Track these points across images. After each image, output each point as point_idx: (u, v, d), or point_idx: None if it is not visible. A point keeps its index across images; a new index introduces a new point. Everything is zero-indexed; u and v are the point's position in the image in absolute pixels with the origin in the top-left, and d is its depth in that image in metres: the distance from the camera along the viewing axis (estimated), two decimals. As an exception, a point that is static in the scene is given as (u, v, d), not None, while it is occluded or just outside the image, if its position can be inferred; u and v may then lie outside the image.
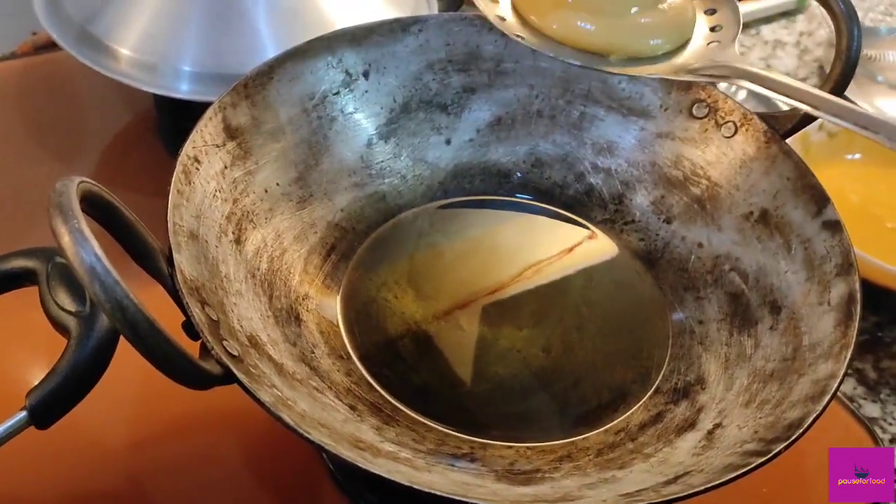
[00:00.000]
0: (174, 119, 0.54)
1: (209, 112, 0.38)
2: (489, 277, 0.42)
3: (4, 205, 0.50)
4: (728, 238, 0.42)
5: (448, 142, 0.46)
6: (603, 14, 0.39)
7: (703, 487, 0.29)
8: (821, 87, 0.40)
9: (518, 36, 0.39)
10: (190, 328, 0.31)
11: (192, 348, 0.31)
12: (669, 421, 0.36)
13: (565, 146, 0.46)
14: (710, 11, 0.40)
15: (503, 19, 0.40)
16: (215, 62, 0.49)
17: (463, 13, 0.46)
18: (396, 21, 0.44)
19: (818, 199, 0.39)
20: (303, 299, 0.39)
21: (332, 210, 0.43)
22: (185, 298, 0.31)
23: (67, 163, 0.55)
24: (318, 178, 0.42)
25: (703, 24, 0.40)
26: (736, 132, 0.42)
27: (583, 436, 0.37)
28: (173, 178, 0.34)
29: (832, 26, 0.61)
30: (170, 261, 0.32)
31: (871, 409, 0.48)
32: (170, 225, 0.33)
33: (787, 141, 0.41)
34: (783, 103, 0.35)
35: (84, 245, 0.25)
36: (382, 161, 0.45)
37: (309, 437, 0.28)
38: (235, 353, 0.31)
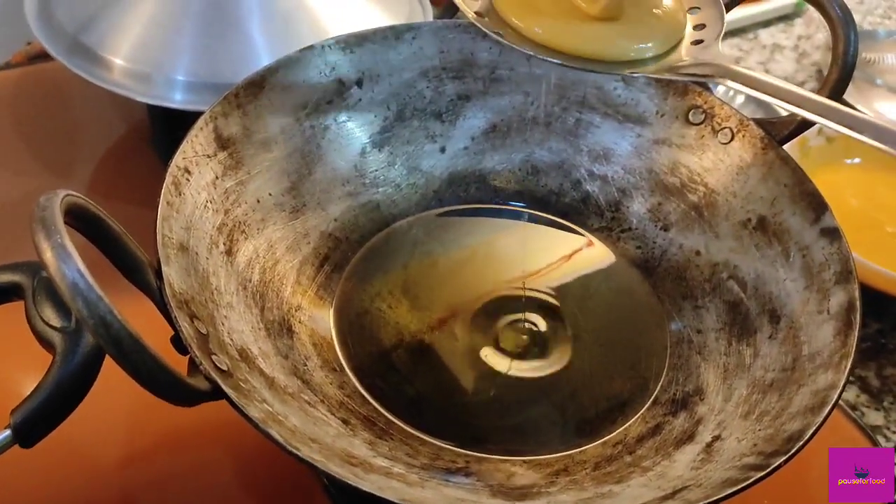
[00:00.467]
0: (168, 129, 0.54)
1: (200, 122, 0.37)
2: (485, 287, 0.42)
3: (-3, 216, 0.50)
4: (726, 246, 0.41)
5: (443, 150, 0.45)
6: (585, 20, 0.38)
7: (701, 503, 0.28)
8: (818, 92, 0.40)
9: (497, 33, 0.39)
10: (179, 343, 0.30)
11: (181, 363, 0.30)
12: (668, 433, 0.36)
13: (561, 153, 0.46)
14: (694, 10, 0.40)
15: (482, 16, 0.40)
16: (209, 71, 0.48)
17: (457, 20, 0.46)
18: (390, 28, 0.44)
19: (816, 205, 0.38)
20: (295, 311, 0.39)
21: (326, 220, 0.42)
22: (174, 312, 0.30)
23: (61, 174, 0.55)
24: (311, 187, 0.42)
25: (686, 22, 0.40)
26: (733, 138, 0.42)
27: (580, 448, 0.36)
28: (163, 190, 0.34)
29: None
30: (158, 274, 0.31)
31: (874, 418, 0.47)
32: (159, 237, 0.33)
33: (786, 145, 0.40)
34: (773, 105, 0.35)
35: (67, 260, 0.24)
36: (376, 170, 0.44)
37: (298, 454, 0.28)
38: (225, 368, 0.30)
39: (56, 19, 0.51)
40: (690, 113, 0.43)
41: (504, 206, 0.46)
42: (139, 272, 0.31)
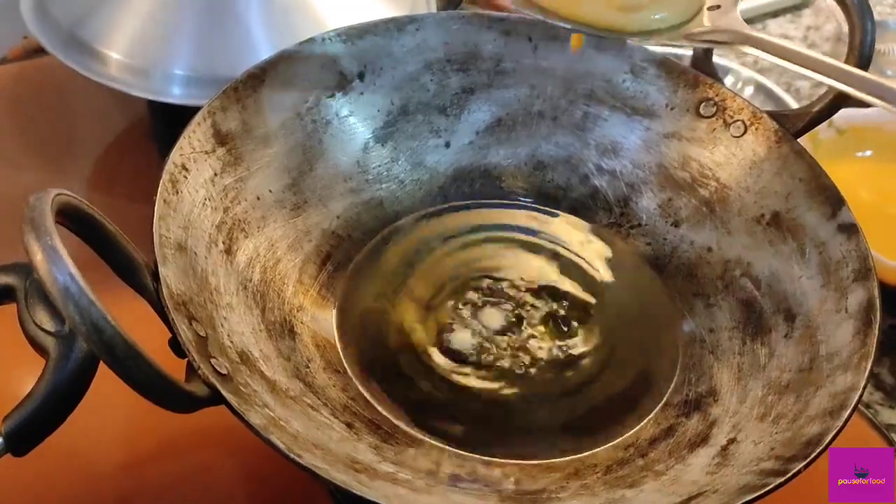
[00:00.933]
0: (168, 124, 0.53)
1: (197, 117, 0.37)
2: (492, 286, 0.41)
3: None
4: (739, 242, 0.40)
5: (447, 145, 0.44)
6: None
7: (718, 511, 0.27)
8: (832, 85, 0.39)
9: None
10: (177, 346, 0.29)
11: (180, 366, 0.29)
12: (681, 435, 0.35)
13: (568, 147, 0.45)
14: None
15: None
16: (208, 65, 0.48)
17: (461, 11, 0.45)
18: (392, 20, 0.43)
19: (833, 200, 0.37)
20: (297, 311, 0.38)
21: (328, 217, 0.41)
22: (171, 314, 0.30)
23: (60, 170, 0.54)
24: (313, 184, 0.41)
25: None
26: (745, 131, 0.41)
27: (590, 451, 0.35)
28: (159, 188, 0.33)
29: (840, 21, 0.60)
30: (155, 275, 0.31)
31: (888, 416, 0.46)
32: (155, 237, 0.32)
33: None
34: (791, 70, 0.34)
35: (57, 263, 0.23)
36: (379, 165, 0.43)
37: (300, 461, 0.27)
38: (225, 372, 0.30)
39: (52, 14, 0.50)
40: (701, 105, 0.42)
41: (510, 202, 0.45)
42: (135, 273, 0.30)
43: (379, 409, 0.35)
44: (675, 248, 0.42)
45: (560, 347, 0.39)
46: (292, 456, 0.27)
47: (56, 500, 0.37)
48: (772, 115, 0.40)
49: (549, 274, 0.42)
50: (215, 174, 0.37)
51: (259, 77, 0.39)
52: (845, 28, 0.62)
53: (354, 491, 0.27)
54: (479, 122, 0.45)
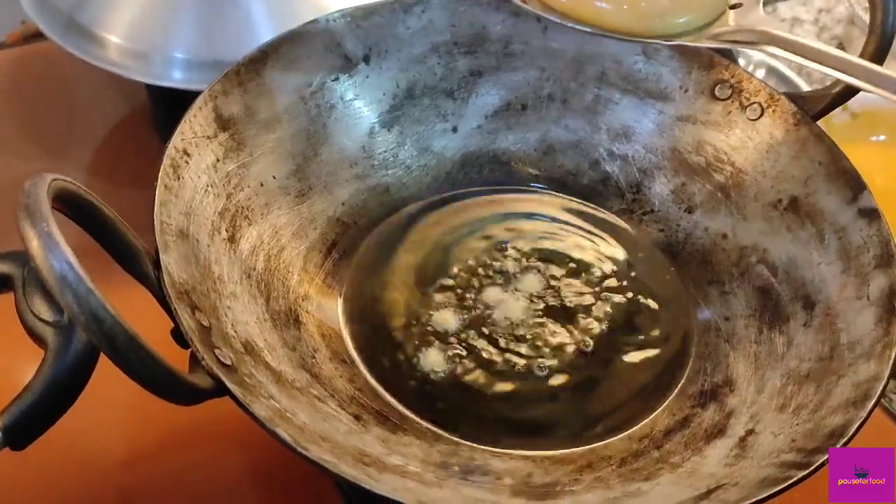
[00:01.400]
0: (169, 109, 0.52)
1: (199, 101, 0.36)
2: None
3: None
4: (755, 228, 0.39)
5: (455, 129, 0.44)
6: None
7: (739, 505, 0.26)
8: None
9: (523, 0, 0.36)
10: (179, 336, 0.29)
11: (182, 357, 0.29)
12: (697, 426, 0.34)
13: (579, 132, 0.44)
14: None
15: None
16: (209, 48, 0.47)
17: (469, -8, 0.44)
18: (398, 1, 0.42)
19: (853, 184, 0.36)
20: (302, 300, 0.37)
21: (333, 204, 0.40)
22: (174, 303, 0.29)
23: (60, 157, 0.53)
24: (318, 169, 0.40)
25: None
26: (762, 114, 0.40)
27: (603, 442, 0.34)
28: (160, 174, 0.32)
29: (852, 2, 0.59)
30: (156, 263, 0.30)
31: (905, 406, 0.45)
32: (156, 224, 0.31)
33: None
34: (818, 71, 0.32)
35: (54, 250, 0.22)
36: (385, 151, 0.42)
37: (308, 455, 0.26)
38: (229, 362, 0.29)
39: (49, -4, 0.49)
40: (717, 87, 0.41)
41: (519, 188, 0.44)
42: (136, 261, 0.29)
43: (387, 399, 0.35)
44: (689, 235, 0.41)
45: (572, 337, 0.38)
46: (299, 449, 0.26)
47: (57, 495, 0.36)
48: (790, 96, 0.39)
49: (560, 262, 0.41)
50: (217, 160, 0.36)
51: (261, 60, 0.38)
52: (857, 10, 0.61)
53: (363, 485, 0.26)
54: (488, 106, 0.44)
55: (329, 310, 0.38)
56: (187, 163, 0.34)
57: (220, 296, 0.32)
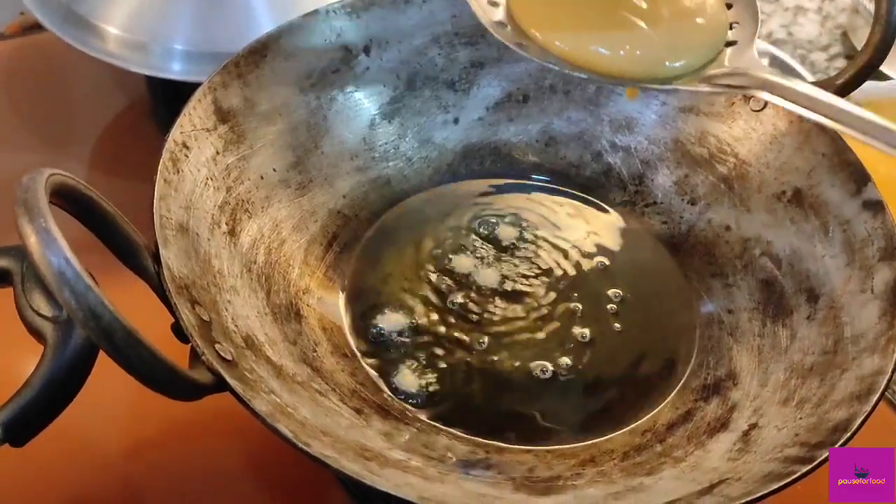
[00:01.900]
0: (168, 101, 0.52)
1: (198, 94, 0.36)
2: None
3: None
4: (758, 220, 0.39)
5: (456, 121, 0.43)
6: (615, 28, 0.34)
7: (743, 501, 0.26)
8: (856, 56, 0.37)
9: (519, 44, 0.35)
10: (180, 331, 0.28)
11: (182, 352, 0.28)
12: (700, 420, 0.34)
13: (581, 123, 0.44)
14: (726, 6, 0.36)
15: (504, 26, 0.36)
16: (209, 40, 0.47)
17: (469, -17, 0.43)
18: (398, -8, 0.41)
19: (857, 176, 0.36)
20: (303, 294, 0.37)
21: (334, 196, 0.40)
22: (174, 298, 0.29)
23: (59, 149, 0.53)
24: (318, 162, 0.40)
25: None
26: (766, 105, 0.39)
27: (606, 436, 0.34)
28: (159, 167, 0.32)
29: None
30: (156, 257, 0.29)
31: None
32: (156, 218, 0.31)
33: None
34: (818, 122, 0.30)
35: (52, 246, 0.22)
36: (386, 143, 0.42)
37: (308, 450, 0.26)
38: (229, 357, 0.29)
39: (48, -13, 0.49)
40: (720, 78, 0.41)
41: (521, 181, 0.43)
42: (135, 256, 0.29)
43: (388, 393, 0.34)
44: (692, 227, 0.41)
45: (575, 331, 0.37)
46: (300, 445, 0.26)
47: (57, 491, 0.36)
48: (793, 87, 0.39)
49: (562, 253, 0.40)
50: (217, 152, 0.36)
51: (261, 52, 0.38)
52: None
53: (365, 481, 0.26)
54: (489, 97, 0.43)
55: (330, 303, 0.37)
56: (187, 156, 0.34)
57: (220, 290, 0.32)
